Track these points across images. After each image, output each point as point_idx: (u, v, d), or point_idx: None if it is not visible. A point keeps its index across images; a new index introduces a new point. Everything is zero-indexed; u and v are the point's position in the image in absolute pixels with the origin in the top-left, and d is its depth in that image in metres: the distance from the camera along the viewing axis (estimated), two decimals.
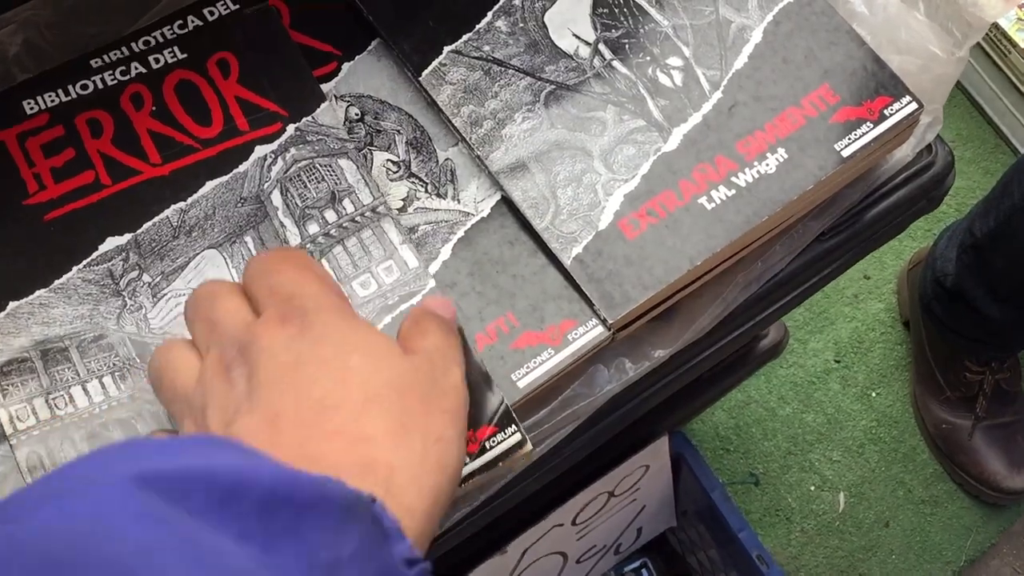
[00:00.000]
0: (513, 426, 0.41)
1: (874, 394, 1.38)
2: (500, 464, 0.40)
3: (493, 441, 0.40)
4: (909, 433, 1.36)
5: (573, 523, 0.82)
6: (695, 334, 0.49)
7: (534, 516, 0.76)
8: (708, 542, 0.95)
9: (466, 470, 0.40)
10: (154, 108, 0.47)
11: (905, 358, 1.39)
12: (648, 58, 0.49)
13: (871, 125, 0.47)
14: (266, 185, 0.45)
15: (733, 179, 0.46)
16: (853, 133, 0.47)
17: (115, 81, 0.47)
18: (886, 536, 1.30)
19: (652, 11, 0.49)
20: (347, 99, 0.48)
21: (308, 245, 0.44)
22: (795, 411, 1.37)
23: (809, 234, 0.51)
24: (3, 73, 0.48)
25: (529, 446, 0.41)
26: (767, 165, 0.46)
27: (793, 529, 1.30)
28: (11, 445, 0.40)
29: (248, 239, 0.44)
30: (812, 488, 1.33)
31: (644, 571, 1.13)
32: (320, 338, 0.33)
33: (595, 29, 0.49)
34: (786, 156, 0.46)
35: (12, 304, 0.42)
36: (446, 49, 0.49)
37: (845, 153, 0.46)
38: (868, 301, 1.43)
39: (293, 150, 0.46)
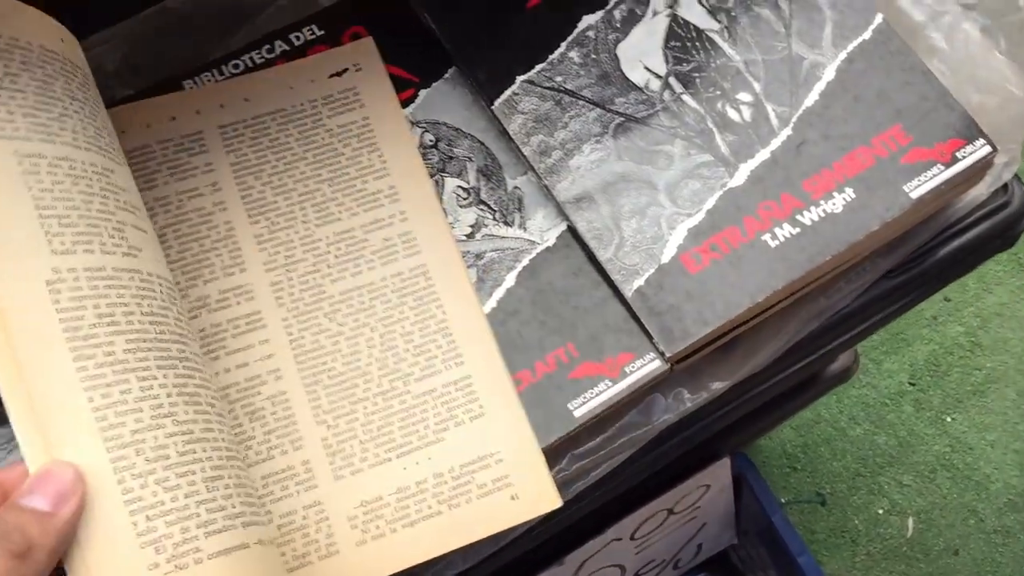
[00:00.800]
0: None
1: (949, 419, 1.35)
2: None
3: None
4: (984, 461, 1.33)
5: (631, 538, 0.82)
6: (754, 367, 0.49)
7: (592, 530, 0.77)
8: (768, 563, 0.95)
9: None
10: None
11: (983, 384, 1.36)
12: (718, 92, 0.49)
13: (942, 167, 0.47)
14: None
15: (798, 217, 0.46)
16: (924, 175, 0.47)
17: None
18: (955, 564, 1.27)
19: (724, 46, 0.50)
20: (423, 125, 0.50)
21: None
22: (866, 432, 1.35)
23: (875, 272, 0.51)
24: (102, 86, 0.51)
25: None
26: (833, 204, 0.46)
27: (858, 552, 1.28)
28: None
29: None
30: (880, 511, 1.30)
31: None
32: None
33: (667, 62, 0.50)
34: (853, 196, 0.46)
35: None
36: (519, 79, 0.50)
37: (914, 195, 0.46)
38: (947, 324, 1.40)
39: None
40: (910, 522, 1.30)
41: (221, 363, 0.43)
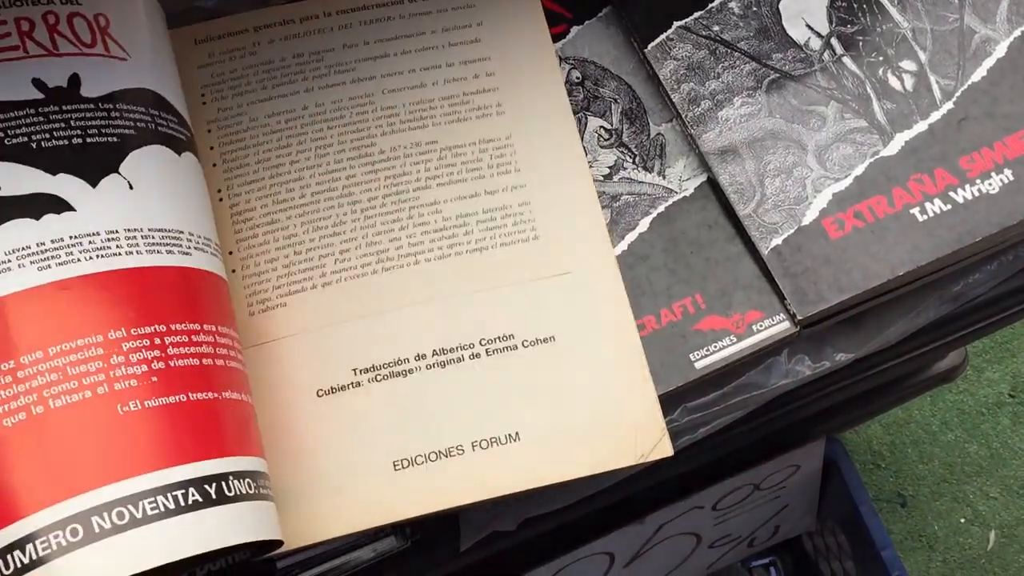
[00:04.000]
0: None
1: None
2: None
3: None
4: None
5: (714, 508, 0.82)
6: (880, 344, 0.48)
7: (677, 493, 0.77)
8: (847, 553, 0.93)
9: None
10: None
11: None
12: (881, 58, 0.47)
13: None
14: None
15: (951, 194, 0.45)
16: None
17: None
18: None
19: (892, 11, 0.48)
20: (571, 62, 0.50)
21: None
22: (957, 439, 1.31)
23: (1020, 262, 0.49)
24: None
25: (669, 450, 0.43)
26: (990, 185, 0.45)
27: (935, 558, 1.26)
28: None
29: None
30: (962, 520, 1.27)
31: (772, 569, 1.11)
32: None
33: (830, 22, 0.48)
34: (1012, 178, 0.45)
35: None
36: (675, 24, 0.49)
37: None
38: None
39: None
40: (992, 535, 1.26)
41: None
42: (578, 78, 0.50)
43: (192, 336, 0.36)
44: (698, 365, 0.44)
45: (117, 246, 0.36)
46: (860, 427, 1.32)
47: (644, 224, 0.47)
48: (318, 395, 0.42)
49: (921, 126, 0.46)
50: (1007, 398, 1.33)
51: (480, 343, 0.43)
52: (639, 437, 0.43)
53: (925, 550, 1.26)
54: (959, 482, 1.29)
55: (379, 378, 0.42)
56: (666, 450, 0.43)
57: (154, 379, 0.34)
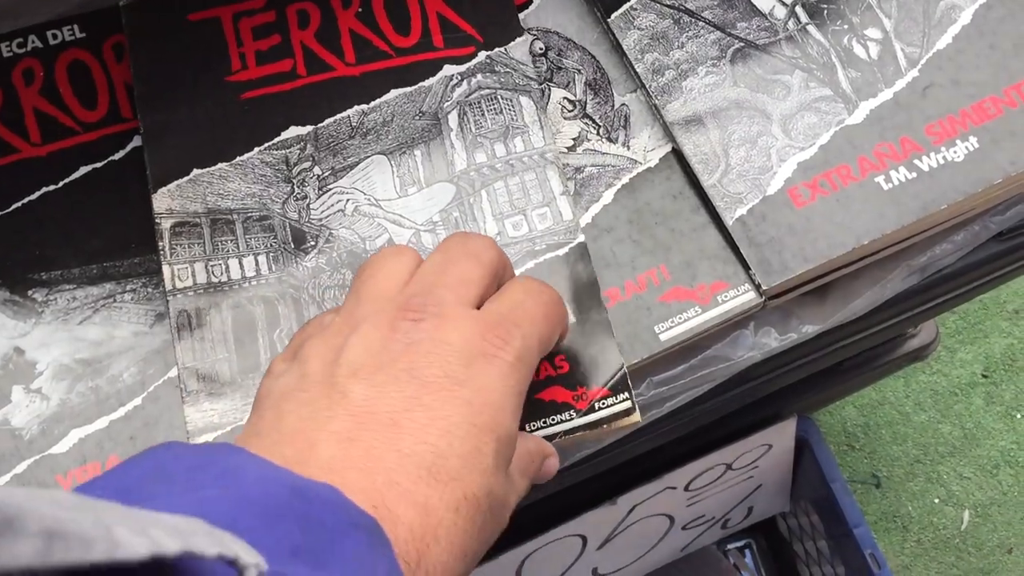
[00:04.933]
0: (626, 393, 0.41)
1: (1019, 416, 1.31)
2: (604, 427, 0.41)
3: (603, 403, 0.41)
4: None
5: (686, 488, 0.82)
6: (847, 315, 0.48)
7: (648, 474, 0.77)
8: (820, 532, 0.94)
9: (570, 426, 0.41)
10: (360, 10, 0.48)
11: None
12: (846, 26, 0.47)
13: None
14: (446, 104, 0.46)
15: (916, 162, 0.44)
16: None
17: None
18: (1007, 562, 1.25)
19: None
20: (534, 32, 0.49)
21: (472, 173, 0.45)
22: (931, 419, 1.32)
23: (986, 232, 0.49)
24: None
25: (637, 416, 0.41)
26: (955, 152, 0.44)
27: (909, 538, 1.26)
28: (167, 300, 0.43)
29: (417, 152, 0.45)
30: (936, 500, 1.28)
31: (747, 551, 1.12)
32: (507, 375, 0.33)
33: None
34: (977, 146, 0.44)
35: (195, 171, 0.45)
36: None
37: None
38: None
39: (480, 76, 0.47)
40: (966, 515, 1.27)
41: None
42: (541, 49, 0.49)
43: None
44: (663, 337, 0.43)
45: None
46: (834, 409, 1.32)
47: (608, 196, 0.46)
48: None
49: (886, 94, 0.46)
50: (980, 378, 1.34)
51: None
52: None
53: (900, 531, 1.26)
54: (933, 463, 1.30)
55: None
56: (634, 418, 0.42)
57: None
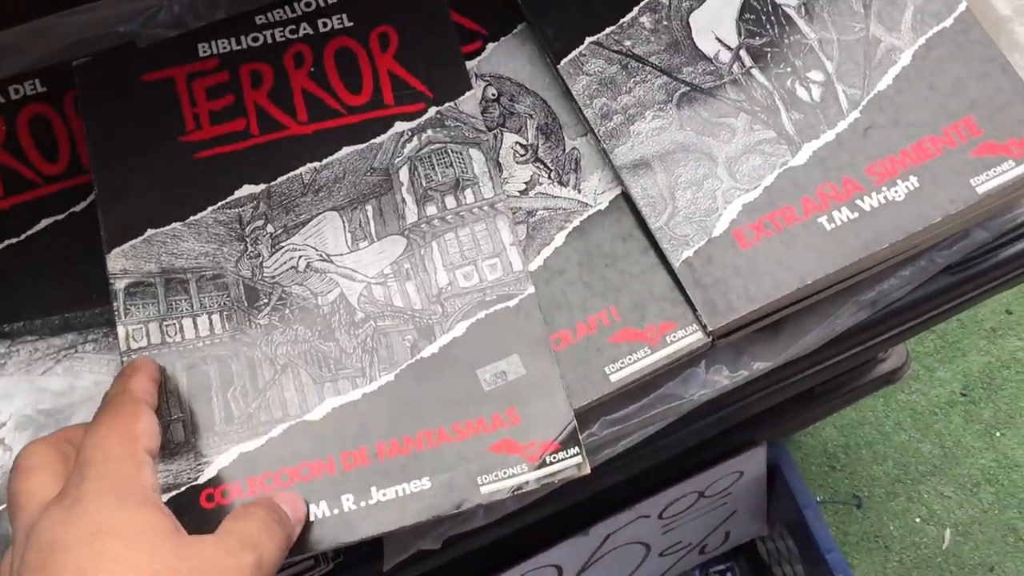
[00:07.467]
0: (576, 448, 0.42)
1: (998, 434, 1.32)
2: (555, 480, 0.41)
3: (554, 458, 0.41)
4: None
5: (660, 516, 0.82)
6: (798, 352, 0.49)
7: (622, 503, 0.77)
8: (795, 557, 0.94)
9: (521, 480, 0.41)
10: (312, 69, 0.49)
11: None
12: (789, 69, 0.48)
13: (1013, 163, 0.45)
14: (397, 160, 0.47)
15: (858, 202, 0.45)
16: (993, 170, 0.45)
17: (283, 38, 0.49)
18: None
19: (800, 22, 0.49)
20: (487, 79, 0.50)
21: (423, 225, 0.46)
22: (911, 439, 1.32)
23: (932, 267, 0.50)
24: (178, 18, 0.52)
25: (587, 469, 0.42)
26: (896, 192, 0.45)
27: (891, 558, 1.27)
28: (122, 361, 0.43)
29: (369, 207, 0.46)
30: (917, 520, 1.28)
31: (729, 574, 1.12)
32: (80, 518, 0.34)
33: (739, 35, 0.49)
34: (917, 185, 0.45)
35: (150, 231, 0.46)
36: (588, 40, 0.49)
37: (981, 190, 0.45)
38: (1006, 337, 1.37)
39: (430, 131, 0.47)
40: (947, 534, 1.28)
41: None
42: (494, 95, 0.50)
43: None
44: (613, 378, 0.44)
45: None
46: (814, 430, 1.33)
47: (560, 238, 0.47)
48: None
49: (828, 135, 0.47)
50: (959, 397, 1.35)
51: None
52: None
53: (881, 550, 1.27)
54: (913, 482, 1.30)
55: None
56: (583, 468, 0.43)
57: None
